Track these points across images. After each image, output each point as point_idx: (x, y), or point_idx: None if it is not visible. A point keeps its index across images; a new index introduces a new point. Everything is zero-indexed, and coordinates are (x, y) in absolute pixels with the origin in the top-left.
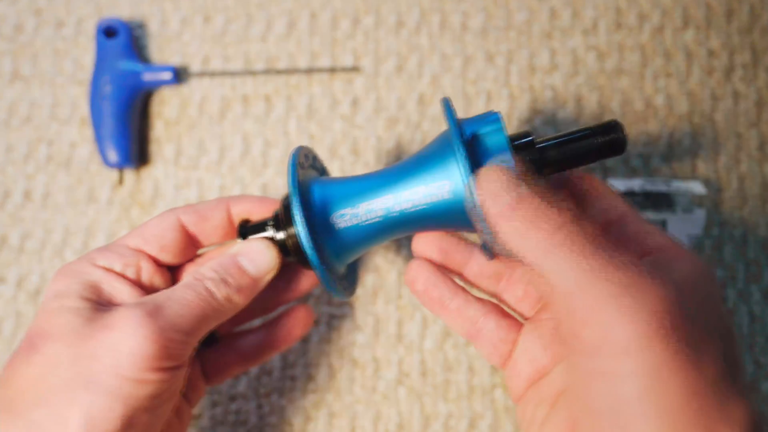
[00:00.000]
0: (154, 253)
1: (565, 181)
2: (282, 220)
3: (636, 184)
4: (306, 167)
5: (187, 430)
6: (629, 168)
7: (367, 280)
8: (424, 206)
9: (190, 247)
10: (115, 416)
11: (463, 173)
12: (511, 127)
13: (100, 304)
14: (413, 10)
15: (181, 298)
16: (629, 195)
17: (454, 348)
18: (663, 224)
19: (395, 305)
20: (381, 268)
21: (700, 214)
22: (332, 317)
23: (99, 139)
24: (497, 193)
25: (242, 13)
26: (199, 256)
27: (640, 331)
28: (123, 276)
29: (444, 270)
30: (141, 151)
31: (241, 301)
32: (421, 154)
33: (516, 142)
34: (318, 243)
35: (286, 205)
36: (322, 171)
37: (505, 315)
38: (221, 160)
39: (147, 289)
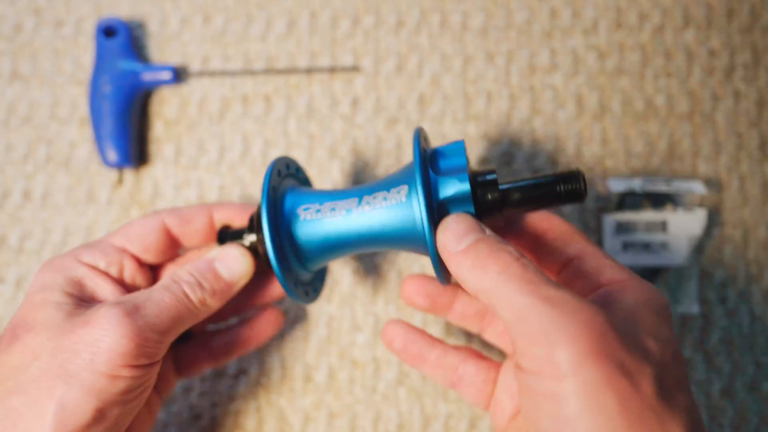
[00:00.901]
0: (137, 252)
1: (526, 220)
2: (255, 224)
3: (636, 184)
4: (284, 176)
5: (155, 420)
6: (629, 168)
7: (367, 280)
8: (382, 209)
9: (172, 248)
10: (87, 408)
11: (417, 179)
12: (511, 127)
13: (82, 300)
14: (413, 10)
15: (159, 299)
16: (629, 195)
17: None
18: (663, 224)
19: (395, 305)
20: (381, 268)
21: (700, 214)
22: (332, 317)
23: (98, 138)
24: (459, 235)
25: (242, 13)
26: (180, 255)
27: (577, 352)
28: (106, 274)
29: (416, 328)
30: (140, 150)
31: (214, 304)
32: (390, 175)
33: (478, 179)
34: (282, 247)
35: (260, 211)
36: (305, 182)
37: (483, 357)
38: (221, 160)
39: (128, 287)
